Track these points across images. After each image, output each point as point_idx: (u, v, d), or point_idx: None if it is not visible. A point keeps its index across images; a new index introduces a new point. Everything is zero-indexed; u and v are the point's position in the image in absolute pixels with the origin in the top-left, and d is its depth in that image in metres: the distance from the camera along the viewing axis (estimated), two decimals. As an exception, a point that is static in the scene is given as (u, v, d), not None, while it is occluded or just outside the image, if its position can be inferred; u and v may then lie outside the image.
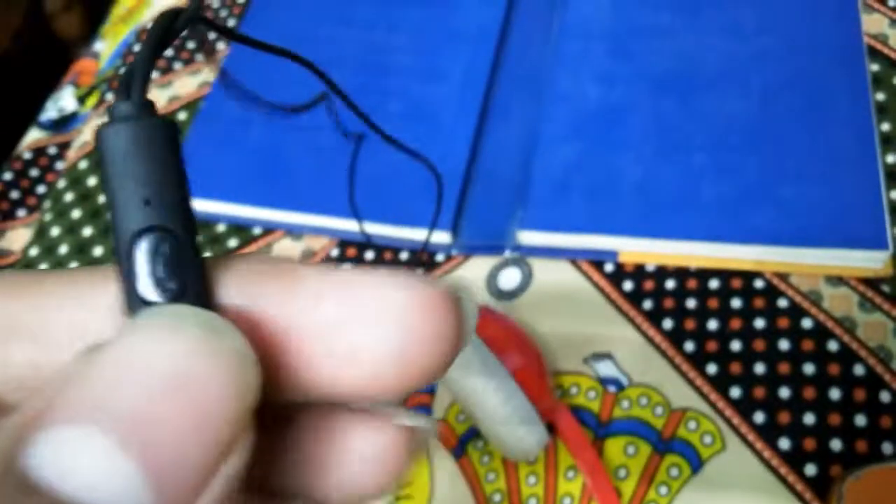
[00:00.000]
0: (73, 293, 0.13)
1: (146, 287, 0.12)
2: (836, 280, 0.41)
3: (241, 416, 0.11)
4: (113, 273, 0.13)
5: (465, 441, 0.40)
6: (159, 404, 0.11)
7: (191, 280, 0.13)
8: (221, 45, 0.58)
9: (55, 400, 0.11)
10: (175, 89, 0.56)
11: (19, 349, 0.13)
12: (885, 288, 0.40)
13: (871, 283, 0.40)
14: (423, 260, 0.46)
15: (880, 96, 0.45)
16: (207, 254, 0.46)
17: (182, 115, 0.54)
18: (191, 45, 0.58)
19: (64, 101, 0.60)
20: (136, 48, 0.58)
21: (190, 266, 0.13)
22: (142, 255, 0.12)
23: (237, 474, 0.12)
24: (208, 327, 0.12)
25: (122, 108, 0.13)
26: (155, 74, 0.57)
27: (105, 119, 0.13)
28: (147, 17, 0.60)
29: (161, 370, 0.11)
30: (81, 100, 0.60)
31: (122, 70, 0.11)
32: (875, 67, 0.46)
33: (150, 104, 0.13)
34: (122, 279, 0.13)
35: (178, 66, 0.57)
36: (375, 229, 0.46)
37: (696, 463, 0.37)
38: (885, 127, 0.44)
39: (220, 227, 0.49)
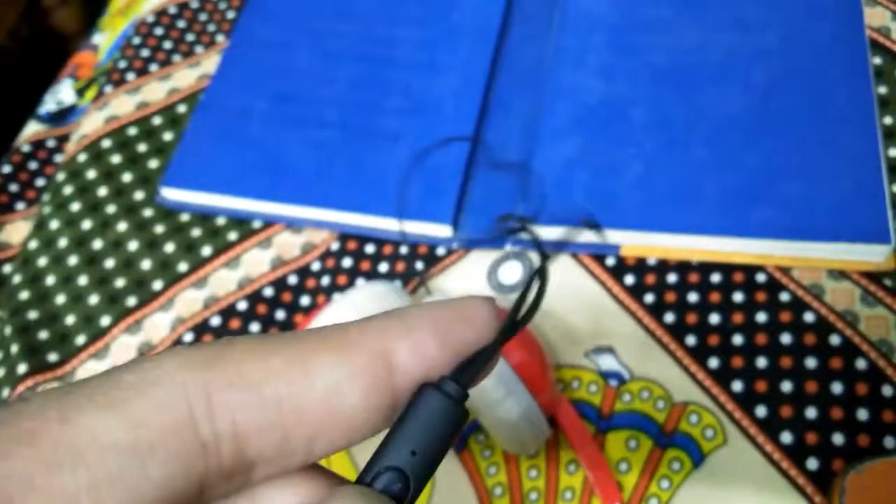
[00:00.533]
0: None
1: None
2: (839, 274, 0.40)
3: None
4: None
5: (467, 435, 0.40)
6: None
7: None
8: (220, 38, 0.57)
9: None
10: (175, 82, 0.56)
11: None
12: (888, 282, 0.40)
13: (874, 276, 0.40)
14: (423, 253, 0.46)
15: (882, 90, 0.45)
16: (207, 248, 0.46)
17: (181, 108, 0.54)
18: (190, 37, 0.58)
19: (63, 93, 0.60)
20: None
21: None
22: (379, 482, 0.16)
23: None
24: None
25: (451, 387, 0.16)
26: (154, 67, 0.56)
27: (430, 381, 0.16)
28: (145, 9, 0.60)
29: None
30: (80, 92, 0.59)
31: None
32: (877, 61, 0.46)
33: (466, 396, 0.16)
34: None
35: (177, 58, 0.57)
36: (376, 222, 0.46)
37: (698, 457, 0.37)
38: (888, 120, 0.44)
39: (220, 221, 0.49)
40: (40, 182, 0.55)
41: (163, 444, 0.12)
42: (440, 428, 0.16)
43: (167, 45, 0.57)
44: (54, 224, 0.50)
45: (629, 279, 0.43)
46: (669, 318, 0.41)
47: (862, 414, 0.37)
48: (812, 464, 0.36)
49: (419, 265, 0.45)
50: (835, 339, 0.39)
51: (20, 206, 0.54)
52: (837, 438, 0.36)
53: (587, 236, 0.43)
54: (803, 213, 0.41)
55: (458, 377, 0.16)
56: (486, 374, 0.17)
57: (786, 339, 0.39)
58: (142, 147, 0.53)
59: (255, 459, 0.14)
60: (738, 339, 0.40)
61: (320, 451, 0.15)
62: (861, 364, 0.38)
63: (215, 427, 0.13)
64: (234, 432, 0.13)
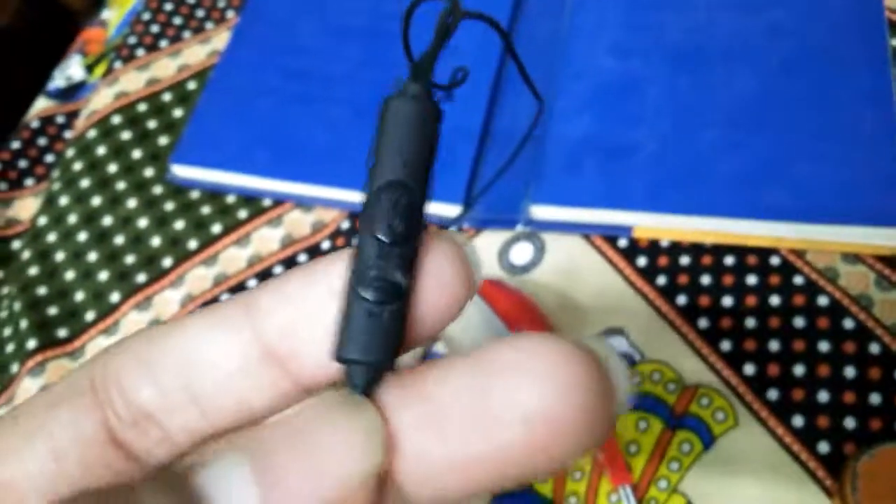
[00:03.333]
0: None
1: (380, 225, 0.16)
2: (853, 257, 0.40)
3: (358, 480, 0.14)
4: None
5: (476, 415, 0.40)
6: (290, 455, 0.14)
7: (413, 233, 0.16)
8: (231, 14, 0.57)
9: (238, 440, 0.14)
10: (185, 58, 0.55)
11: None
12: (903, 266, 0.39)
13: (888, 260, 0.40)
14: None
15: (901, 72, 0.44)
16: (217, 226, 0.46)
17: (192, 85, 0.54)
18: (200, 13, 0.57)
19: (72, 69, 0.59)
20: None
21: (417, 222, 0.16)
22: (387, 198, 0.16)
23: None
24: (349, 404, 0.15)
25: (411, 89, 0.16)
26: (164, 43, 0.56)
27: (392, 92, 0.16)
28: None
29: (300, 431, 0.14)
30: (90, 68, 0.59)
31: (413, 56, 0.15)
32: (895, 42, 0.46)
33: (431, 92, 0.16)
34: (362, 214, 0.16)
35: (187, 34, 0.56)
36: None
37: (708, 439, 0.37)
38: (906, 103, 0.43)
39: (230, 199, 0.49)
40: (49, 158, 0.55)
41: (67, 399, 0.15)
42: (420, 129, 0.16)
43: (177, 20, 0.57)
44: (64, 200, 0.50)
45: (641, 261, 0.42)
46: (682, 300, 0.41)
47: (874, 398, 0.36)
48: (823, 447, 0.36)
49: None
50: (848, 323, 0.38)
51: (29, 181, 0.54)
52: (849, 422, 0.36)
53: (599, 216, 0.43)
54: (818, 196, 0.41)
55: (413, 76, 0.17)
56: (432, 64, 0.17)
57: (799, 322, 0.39)
58: (151, 123, 0.52)
59: (153, 413, 0.15)
60: (750, 322, 0.39)
61: (217, 415, 0.16)
62: (874, 348, 0.37)
63: (104, 382, 0.16)
64: (119, 384, 0.15)
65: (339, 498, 0.13)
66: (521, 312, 0.36)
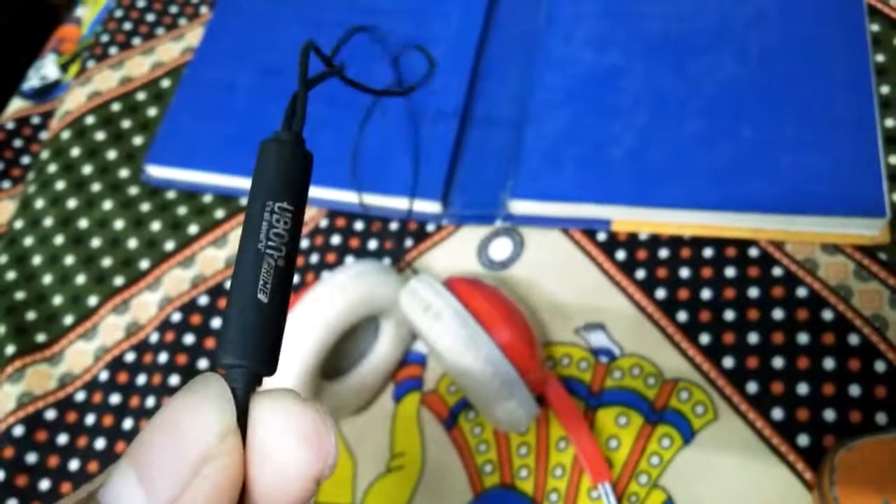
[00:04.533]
0: None
1: (263, 238, 0.17)
2: (832, 248, 0.40)
3: (217, 437, 0.15)
4: None
5: (457, 412, 0.40)
6: (158, 442, 0.15)
7: (291, 246, 0.18)
8: (204, 10, 0.56)
9: (128, 450, 0.16)
10: (158, 55, 0.54)
11: None
12: (882, 256, 0.39)
13: (868, 250, 0.39)
14: (412, 230, 0.45)
15: (880, 58, 0.44)
16: (194, 227, 0.45)
17: (165, 83, 0.53)
18: (173, 9, 0.56)
19: (46, 69, 0.59)
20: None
21: (294, 234, 0.18)
22: (269, 215, 0.18)
23: (218, 480, 0.15)
24: (201, 380, 0.16)
25: (282, 135, 0.19)
26: (137, 41, 0.55)
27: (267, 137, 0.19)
28: (128, -20, 0.58)
29: (164, 418, 0.16)
30: (64, 67, 0.58)
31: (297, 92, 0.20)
32: (875, 28, 0.45)
33: (301, 138, 0.19)
34: (245, 228, 0.18)
35: (160, 31, 0.56)
36: (365, 199, 0.45)
37: (688, 433, 0.37)
38: (885, 90, 0.43)
39: (207, 198, 0.48)
40: (26, 160, 0.54)
41: None
42: (289, 170, 0.18)
43: (150, 17, 0.56)
44: (39, 203, 0.50)
45: (620, 254, 0.42)
46: (661, 293, 0.41)
47: (854, 390, 0.36)
48: (803, 440, 0.36)
49: (409, 242, 0.45)
50: (827, 314, 0.38)
51: (6, 184, 0.54)
52: (829, 414, 0.36)
53: (578, 210, 0.43)
54: (797, 186, 0.40)
55: (286, 124, 0.19)
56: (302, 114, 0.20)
57: (778, 314, 0.39)
58: (126, 123, 0.52)
59: None
60: (729, 315, 0.39)
61: None
62: (854, 339, 0.37)
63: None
64: None
65: (203, 456, 0.15)
66: (498, 313, 0.36)
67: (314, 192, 0.46)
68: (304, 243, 0.46)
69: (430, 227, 0.45)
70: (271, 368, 0.17)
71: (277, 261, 0.17)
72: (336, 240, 0.46)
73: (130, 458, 0.15)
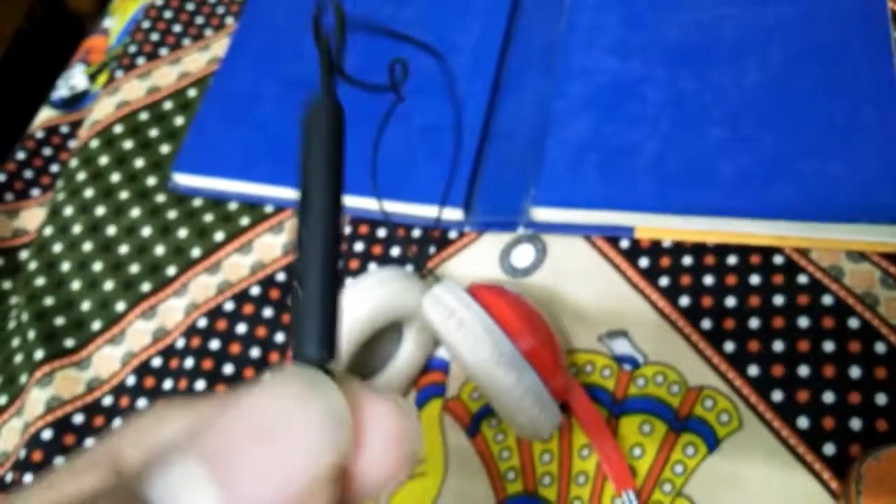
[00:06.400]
0: None
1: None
2: (858, 255, 0.40)
3: (323, 468, 0.13)
4: None
5: (480, 419, 0.40)
6: (249, 448, 0.13)
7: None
8: (230, 20, 0.57)
9: (183, 437, 0.14)
10: (185, 65, 0.55)
11: None
12: (909, 263, 0.39)
13: (894, 258, 0.39)
14: (435, 237, 0.45)
15: (906, 64, 0.44)
16: (220, 234, 0.46)
17: (192, 92, 0.54)
18: (199, 20, 0.57)
19: (75, 79, 0.60)
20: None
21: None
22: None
23: None
24: (309, 383, 0.14)
25: (327, 101, 0.18)
26: (164, 51, 0.56)
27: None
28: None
29: (259, 420, 0.13)
30: (92, 77, 0.59)
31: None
32: (901, 34, 0.45)
33: (338, 103, 0.18)
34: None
35: (187, 41, 0.56)
36: (387, 206, 0.46)
37: (713, 442, 0.37)
38: (911, 96, 0.43)
39: (232, 206, 0.49)
40: (55, 168, 0.55)
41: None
42: (324, 132, 0.18)
43: (177, 28, 0.57)
44: (68, 210, 0.51)
45: (644, 262, 0.42)
46: (685, 301, 0.41)
47: (881, 398, 0.36)
48: (829, 449, 0.36)
49: (431, 249, 0.45)
50: (853, 322, 0.38)
51: (35, 192, 0.55)
52: (855, 423, 0.36)
53: (601, 217, 0.43)
54: (821, 193, 0.40)
55: (327, 89, 0.18)
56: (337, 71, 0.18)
57: (803, 322, 0.38)
58: (153, 132, 0.53)
59: None
60: (754, 323, 0.39)
61: None
62: (880, 347, 0.37)
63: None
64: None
65: (307, 488, 0.13)
66: (521, 320, 0.36)
67: (338, 199, 0.47)
68: (328, 250, 0.46)
69: (453, 234, 0.45)
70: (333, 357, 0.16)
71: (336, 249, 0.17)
72: (359, 247, 0.46)
73: (201, 452, 0.13)
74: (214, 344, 0.44)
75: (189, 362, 0.44)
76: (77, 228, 0.50)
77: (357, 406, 0.15)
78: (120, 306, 0.47)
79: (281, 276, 0.46)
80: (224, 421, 0.13)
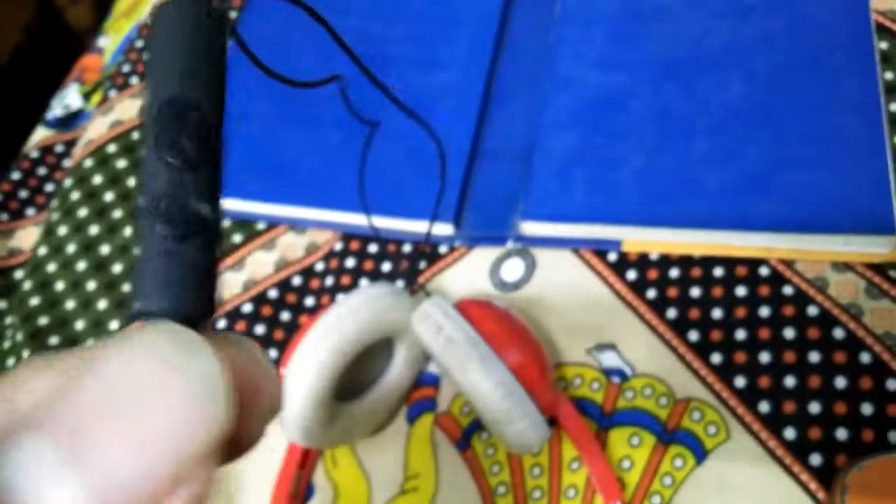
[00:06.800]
0: None
1: (168, 147, 0.13)
2: (843, 266, 0.40)
3: (198, 443, 0.11)
4: None
5: (470, 433, 0.41)
6: (109, 424, 0.11)
7: (210, 155, 0.13)
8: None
9: (35, 410, 0.12)
10: (177, 84, 0.56)
11: None
12: (893, 273, 0.39)
13: (879, 268, 0.39)
14: (425, 252, 0.46)
15: (889, 75, 0.44)
16: (211, 251, 0.46)
17: (185, 111, 0.54)
18: (192, 38, 0.58)
19: (69, 98, 0.60)
20: (139, 43, 0.58)
21: (212, 142, 0.13)
22: (171, 116, 0.13)
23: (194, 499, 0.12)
24: (179, 345, 0.12)
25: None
26: (157, 70, 0.57)
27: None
28: (147, 11, 0.60)
29: (121, 390, 0.11)
30: (87, 96, 0.60)
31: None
32: (883, 45, 0.45)
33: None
34: (146, 136, 0.13)
35: (180, 60, 0.57)
36: (378, 222, 0.46)
37: (701, 453, 0.37)
38: (894, 107, 0.43)
39: (224, 223, 0.49)
40: (49, 187, 0.56)
41: None
42: (195, 40, 0.13)
43: (169, 47, 0.58)
44: (62, 230, 0.51)
45: (631, 275, 0.42)
46: (672, 313, 0.41)
47: (866, 408, 0.36)
48: (815, 459, 0.36)
49: (422, 264, 0.45)
50: (839, 333, 0.38)
51: (30, 211, 0.55)
52: (841, 433, 0.36)
53: (588, 231, 0.43)
54: (807, 205, 0.41)
55: None
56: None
57: (789, 333, 0.39)
58: (146, 151, 0.53)
59: None
60: (740, 334, 0.39)
61: None
62: (865, 358, 0.37)
63: None
64: None
65: (177, 475, 0.11)
66: (509, 335, 0.36)
67: (330, 215, 0.47)
68: (320, 266, 0.47)
69: (443, 249, 0.46)
70: (209, 313, 0.13)
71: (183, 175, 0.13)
72: (350, 262, 0.46)
73: (55, 428, 0.11)
74: (207, 361, 0.45)
75: (182, 380, 0.44)
76: (71, 248, 0.50)
77: (237, 367, 0.13)
78: (113, 325, 0.47)
79: (273, 293, 0.46)
80: (81, 390, 0.12)
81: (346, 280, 0.46)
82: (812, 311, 0.39)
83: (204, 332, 0.13)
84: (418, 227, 0.45)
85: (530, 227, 0.44)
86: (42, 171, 0.57)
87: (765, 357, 0.39)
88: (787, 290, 0.40)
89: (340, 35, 0.54)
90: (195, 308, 0.13)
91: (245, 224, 0.49)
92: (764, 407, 0.38)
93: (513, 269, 0.45)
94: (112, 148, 0.53)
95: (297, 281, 0.47)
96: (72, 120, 0.59)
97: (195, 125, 0.13)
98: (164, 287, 0.13)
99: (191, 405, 0.12)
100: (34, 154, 0.57)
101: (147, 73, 0.14)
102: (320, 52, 0.53)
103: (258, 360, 0.14)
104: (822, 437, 0.36)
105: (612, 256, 0.43)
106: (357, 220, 0.47)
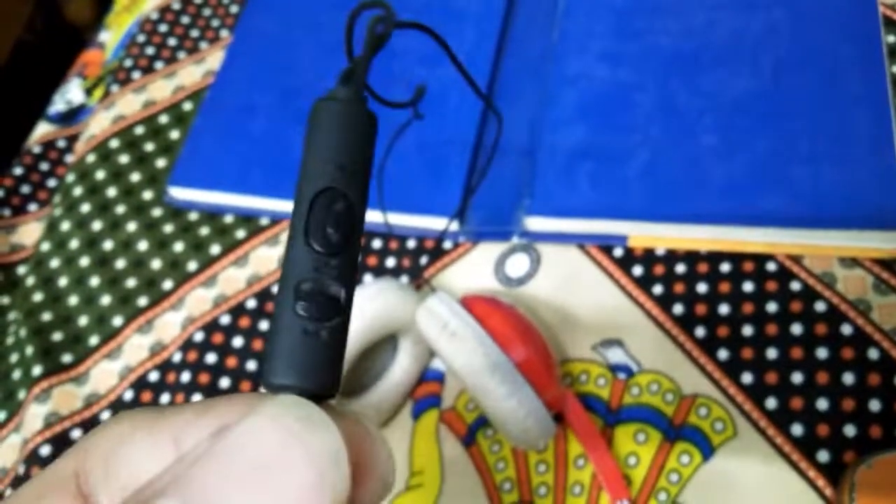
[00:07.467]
0: None
1: (314, 235, 0.14)
2: (851, 261, 0.40)
3: None
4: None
5: (475, 429, 0.40)
6: (237, 491, 0.12)
7: (351, 242, 0.15)
8: (225, 33, 0.57)
9: (164, 476, 0.13)
10: (180, 79, 0.56)
11: None
12: (901, 269, 0.39)
13: (886, 264, 0.39)
14: (430, 248, 0.46)
15: (897, 69, 0.44)
16: (216, 247, 0.46)
17: (188, 106, 0.54)
18: (195, 33, 0.58)
19: (71, 93, 0.60)
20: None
21: (354, 230, 0.15)
22: (321, 205, 0.14)
23: None
24: (305, 420, 0.13)
25: (341, 92, 0.16)
26: (159, 65, 0.56)
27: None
28: (149, 6, 0.59)
29: (249, 459, 0.12)
30: (88, 91, 0.60)
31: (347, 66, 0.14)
32: (891, 39, 0.45)
33: (364, 98, 0.16)
34: (293, 223, 0.15)
35: (182, 55, 0.57)
36: (383, 217, 0.46)
37: (707, 450, 0.37)
38: (902, 101, 0.43)
39: (228, 219, 0.49)
40: (52, 183, 0.56)
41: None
42: (349, 135, 0.15)
43: (172, 41, 0.57)
44: (65, 225, 0.51)
45: (637, 270, 0.42)
46: (678, 309, 0.41)
47: (874, 405, 0.36)
48: (823, 456, 0.36)
49: (426, 259, 0.45)
50: (846, 329, 0.38)
51: (33, 207, 0.55)
52: (849, 430, 0.36)
53: (594, 226, 0.43)
54: (814, 200, 0.40)
55: (343, 81, 0.16)
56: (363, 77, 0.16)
57: (796, 329, 0.38)
58: (149, 146, 0.53)
59: None
60: (747, 330, 0.39)
61: None
62: (873, 353, 0.37)
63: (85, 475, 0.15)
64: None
65: None
66: (514, 331, 0.36)
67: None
68: (324, 262, 0.47)
69: (448, 245, 0.46)
70: (335, 389, 0.15)
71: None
72: (354, 258, 0.46)
73: (187, 499, 0.12)
74: (211, 358, 0.45)
75: (186, 376, 0.44)
76: (74, 243, 0.50)
77: (354, 443, 0.14)
78: (117, 321, 0.47)
79: (276, 289, 0.46)
80: (211, 461, 0.12)
81: (350, 276, 0.46)
82: (820, 306, 0.39)
83: (326, 409, 0.14)
84: (423, 222, 0.45)
85: (536, 223, 0.44)
86: (44, 166, 0.56)
87: (772, 353, 0.38)
88: (795, 286, 0.40)
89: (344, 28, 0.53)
90: (323, 387, 0.14)
91: (249, 219, 0.49)
92: (771, 403, 0.37)
93: (518, 264, 0.44)
94: (114, 143, 0.53)
95: (300, 277, 0.46)
96: (74, 115, 0.59)
97: (343, 215, 0.15)
98: (299, 365, 0.14)
99: (315, 478, 0.12)
100: (36, 149, 0.57)
101: (304, 163, 0.15)
102: (323, 50, 0.53)
103: (374, 439, 0.15)
104: (830, 434, 0.36)
105: (618, 252, 0.43)
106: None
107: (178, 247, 0.49)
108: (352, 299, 0.15)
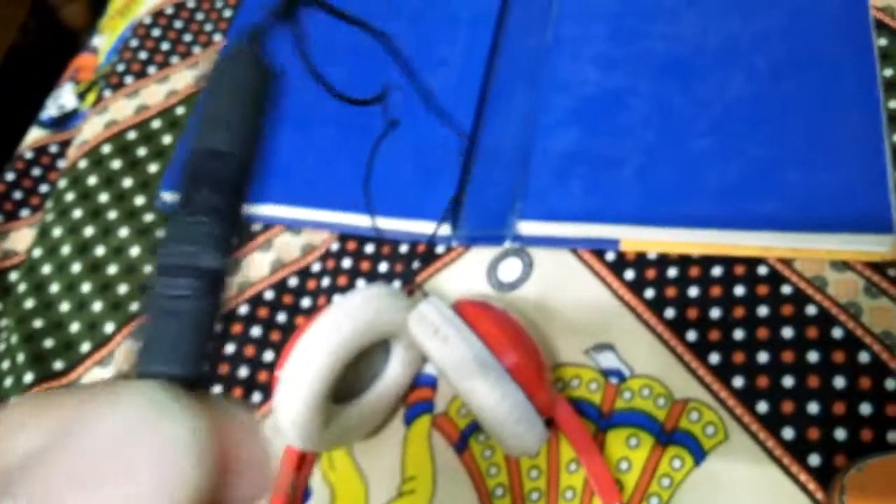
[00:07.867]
0: None
1: (190, 198, 0.13)
2: (842, 265, 0.40)
3: None
4: None
5: (467, 435, 0.40)
6: (80, 487, 0.11)
7: (232, 210, 0.13)
8: (218, 37, 0.57)
9: (17, 473, 0.12)
10: (173, 83, 0.55)
11: None
12: (892, 272, 0.39)
13: (878, 267, 0.39)
14: (422, 253, 0.46)
15: (888, 72, 0.44)
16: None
17: (180, 110, 0.54)
18: (187, 37, 0.58)
19: (64, 98, 0.60)
20: (128, 40, 0.57)
21: (236, 197, 0.13)
22: (201, 167, 0.13)
23: None
24: (157, 406, 0.12)
25: (235, 50, 0.14)
26: (152, 69, 0.56)
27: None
28: (142, 10, 0.59)
29: (98, 448, 0.12)
30: (81, 96, 0.59)
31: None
32: (883, 42, 0.45)
33: (259, 57, 0.14)
34: (180, 185, 0.14)
35: (175, 59, 0.57)
36: (375, 222, 0.46)
37: (699, 454, 0.37)
38: (893, 105, 0.43)
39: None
40: (44, 188, 0.56)
41: None
42: (244, 95, 0.14)
43: (165, 46, 0.57)
44: (57, 231, 0.51)
45: (629, 274, 0.42)
46: (670, 313, 0.41)
47: (865, 408, 0.36)
48: (814, 460, 0.36)
49: (418, 264, 0.45)
50: (837, 332, 0.38)
51: (25, 213, 0.55)
52: (840, 433, 0.36)
53: (586, 230, 0.43)
54: (805, 204, 0.40)
55: (240, 42, 0.15)
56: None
57: (787, 332, 0.39)
58: (141, 151, 0.53)
59: None
60: (739, 334, 0.39)
61: None
62: (864, 357, 0.37)
63: None
64: None
65: None
66: (506, 336, 0.36)
67: (326, 216, 0.47)
68: (316, 267, 0.47)
69: (440, 249, 0.46)
70: (203, 371, 0.14)
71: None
72: (347, 263, 0.46)
73: (29, 495, 0.11)
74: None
75: (178, 382, 0.44)
76: (66, 249, 0.50)
77: (224, 432, 0.13)
78: (108, 328, 0.47)
79: (269, 295, 0.46)
80: (61, 452, 0.12)
81: (342, 281, 0.46)
82: (811, 310, 0.39)
83: (199, 396, 0.13)
84: (415, 227, 0.45)
85: (528, 227, 0.44)
86: (36, 171, 0.56)
87: (763, 357, 0.38)
88: (786, 290, 0.40)
89: (340, 31, 0.53)
90: (190, 371, 0.13)
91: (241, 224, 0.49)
92: (762, 407, 0.37)
93: (510, 269, 0.44)
94: (106, 148, 0.53)
95: (293, 282, 0.47)
96: (66, 120, 0.59)
97: (223, 177, 0.13)
98: (162, 350, 0.13)
99: (161, 470, 0.12)
100: (28, 155, 0.57)
101: (195, 122, 0.14)
102: (313, 56, 0.53)
103: (249, 431, 0.15)
104: (821, 437, 0.36)
105: (610, 256, 0.43)
106: (354, 220, 0.46)
107: (171, 252, 0.49)
108: (228, 271, 0.14)
